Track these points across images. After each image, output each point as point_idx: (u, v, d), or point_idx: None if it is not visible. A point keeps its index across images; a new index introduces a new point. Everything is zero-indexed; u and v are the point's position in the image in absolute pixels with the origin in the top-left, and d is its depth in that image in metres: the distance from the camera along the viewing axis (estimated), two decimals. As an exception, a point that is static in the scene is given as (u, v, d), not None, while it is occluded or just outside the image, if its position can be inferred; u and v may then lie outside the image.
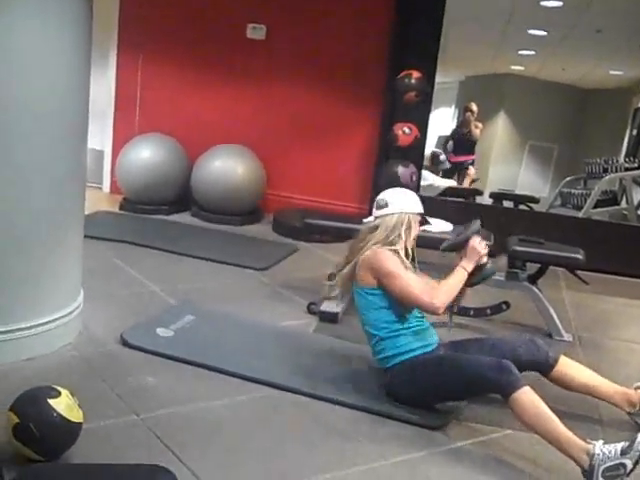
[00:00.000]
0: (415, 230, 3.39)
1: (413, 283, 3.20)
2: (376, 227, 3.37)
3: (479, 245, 3.33)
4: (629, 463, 2.63)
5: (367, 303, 3.32)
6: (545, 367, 3.24)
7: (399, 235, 3.32)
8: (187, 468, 2.63)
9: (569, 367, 3.28)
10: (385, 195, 3.44)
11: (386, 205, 3.37)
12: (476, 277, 3.38)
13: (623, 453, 2.65)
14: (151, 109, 7.30)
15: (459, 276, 3.28)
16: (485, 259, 3.37)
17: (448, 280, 3.26)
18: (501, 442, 3.08)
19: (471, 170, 7.56)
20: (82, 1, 3.37)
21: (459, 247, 3.40)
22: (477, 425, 3.20)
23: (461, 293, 3.37)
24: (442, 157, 7.52)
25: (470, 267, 3.31)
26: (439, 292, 3.20)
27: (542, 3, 6.74)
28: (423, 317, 3.36)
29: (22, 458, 2.54)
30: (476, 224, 3.45)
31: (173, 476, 2.07)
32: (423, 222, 3.45)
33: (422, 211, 3.43)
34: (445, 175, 7.54)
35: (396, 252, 3.29)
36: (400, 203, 3.38)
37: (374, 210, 3.45)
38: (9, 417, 2.54)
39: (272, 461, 2.77)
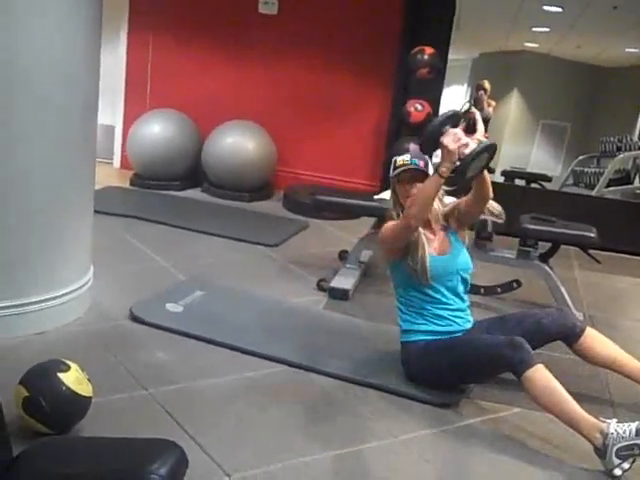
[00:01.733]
0: (403, 187, 3.22)
1: (389, 224, 3.19)
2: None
3: (450, 139, 2.92)
4: None
5: (392, 277, 3.34)
6: (572, 336, 3.20)
7: (395, 205, 3.29)
8: (196, 443, 2.63)
9: (596, 339, 3.23)
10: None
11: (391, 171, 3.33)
12: (473, 164, 2.92)
13: (638, 434, 2.63)
14: (162, 85, 7.27)
15: (430, 182, 3.01)
16: (467, 149, 2.90)
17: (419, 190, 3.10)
18: (511, 420, 3.07)
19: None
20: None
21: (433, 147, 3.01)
22: (487, 403, 3.19)
23: (482, 187, 3.12)
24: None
25: (445, 168, 2.93)
26: (409, 207, 3.06)
27: (558, -21, 6.66)
28: (458, 303, 3.25)
29: (31, 431, 2.55)
30: (446, 114, 2.98)
31: (181, 450, 2.05)
32: (412, 172, 3.20)
33: (397, 171, 3.22)
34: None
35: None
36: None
37: None
38: (19, 390, 2.55)
39: (281, 437, 2.77)
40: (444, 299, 3.22)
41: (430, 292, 3.20)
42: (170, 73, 7.23)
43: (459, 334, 3.22)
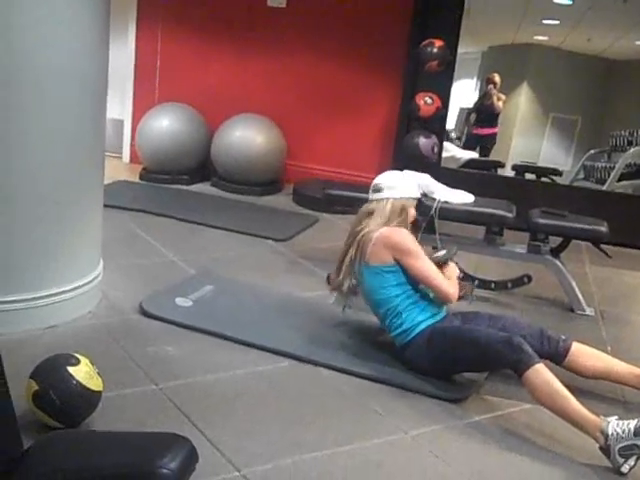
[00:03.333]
0: (410, 215, 3.47)
1: (432, 269, 3.31)
2: (372, 212, 3.43)
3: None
4: None
5: (383, 280, 3.32)
6: (556, 358, 3.19)
7: (395, 221, 3.40)
8: (206, 437, 2.63)
9: (582, 355, 3.21)
10: (381, 179, 3.52)
11: (381, 190, 3.45)
12: None
13: (636, 434, 2.63)
14: (171, 79, 7.25)
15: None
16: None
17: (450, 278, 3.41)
18: (520, 417, 3.06)
19: None
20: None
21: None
22: (496, 399, 3.18)
23: None
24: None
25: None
26: (453, 285, 3.34)
27: (568, -29, 6.61)
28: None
29: (41, 425, 2.55)
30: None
31: (191, 444, 2.05)
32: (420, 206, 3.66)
33: (418, 195, 3.57)
34: (467, 147, 7.44)
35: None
36: (395, 189, 3.44)
37: (370, 193, 3.51)
38: (29, 384, 2.56)
39: (291, 432, 2.76)
40: (423, 289, 3.36)
41: (417, 286, 3.35)
42: (179, 67, 7.22)
43: (444, 315, 3.35)
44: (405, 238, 3.32)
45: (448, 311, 3.40)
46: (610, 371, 3.21)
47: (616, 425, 2.68)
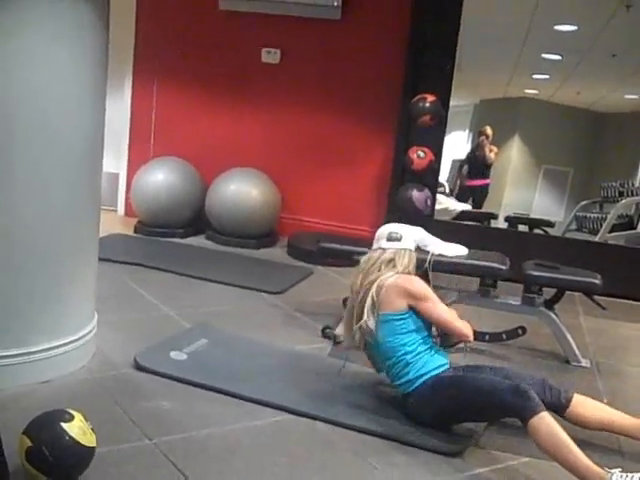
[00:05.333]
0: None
1: (449, 312, 3.39)
2: (391, 260, 3.43)
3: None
4: None
5: (394, 328, 3.31)
6: (558, 408, 3.18)
7: (410, 271, 3.47)
8: (201, 494, 2.61)
9: (583, 406, 3.22)
10: (397, 229, 3.53)
11: (400, 239, 3.47)
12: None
13: None
14: (166, 133, 7.33)
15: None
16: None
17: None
18: (520, 469, 3.03)
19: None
20: (99, 31, 3.41)
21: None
22: (495, 452, 3.15)
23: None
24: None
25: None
26: (467, 325, 3.40)
27: (556, 27, 6.73)
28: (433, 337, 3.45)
29: (35, 482, 2.52)
30: None
31: (187, 502, 2.05)
32: None
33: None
34: (460, 199, 7.49)
35: None
36: (412, 240, 3.54)
37: (383, 241, 3.49)
38: (22, 441, 2.53)
39: (287, 487, 2.74)
40: (429, 338, 3.39)
41: (427, 335, 3.37)
42: (174, 121, 7.30)
43: (448, 365, 3.33)
44: (421, 285, 3.38)
45: (451, 364, 3.38)
46: (612, 423, 3.20)
47: (620, 476, 2.66)
